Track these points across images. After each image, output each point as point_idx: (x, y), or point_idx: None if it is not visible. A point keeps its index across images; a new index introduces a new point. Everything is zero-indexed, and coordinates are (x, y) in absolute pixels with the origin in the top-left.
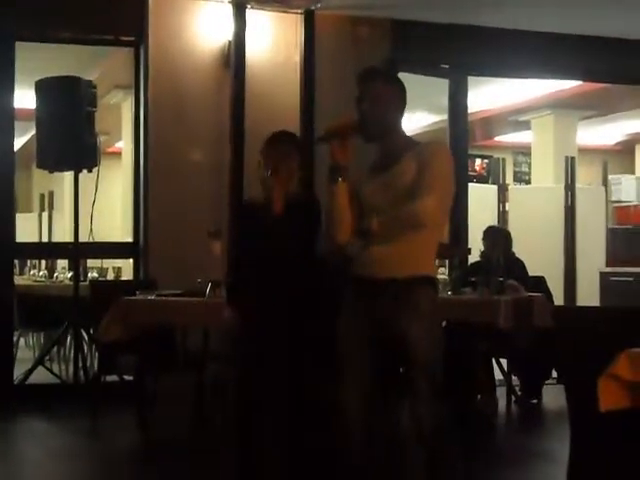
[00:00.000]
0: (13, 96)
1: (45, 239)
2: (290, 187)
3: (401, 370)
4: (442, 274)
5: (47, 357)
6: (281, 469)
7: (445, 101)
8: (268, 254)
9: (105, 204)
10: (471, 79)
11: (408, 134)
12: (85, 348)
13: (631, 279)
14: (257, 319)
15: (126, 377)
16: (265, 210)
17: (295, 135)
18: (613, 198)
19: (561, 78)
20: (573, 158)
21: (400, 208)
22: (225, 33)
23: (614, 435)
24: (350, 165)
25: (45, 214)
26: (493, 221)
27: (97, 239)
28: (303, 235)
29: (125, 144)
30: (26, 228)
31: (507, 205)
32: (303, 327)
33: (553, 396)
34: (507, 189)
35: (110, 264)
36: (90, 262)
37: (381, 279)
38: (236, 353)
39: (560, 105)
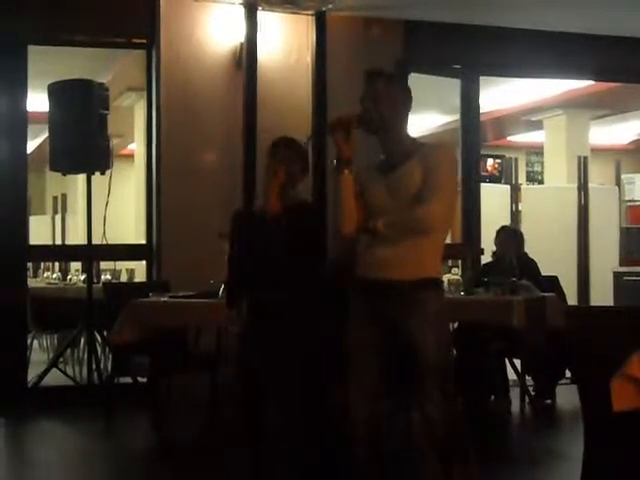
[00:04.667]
0: (26, 99)
1: (58, 241)
2: (290, 192)
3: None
4: (455, 274)
5: (61, 359)
6: (291, 468)
7: (457, 101)
8: (265, 257)
9: (118, 206)
10: (483, 79)
11: (420, 134)
12: (99, 350)
13: None
14: (254, 322)
15: (140, 379)
16: (262, 213)
17: (295, 141)
18: (626, 197)
19: (573, 78)
20: (586, 158)
21: (406, 212)
22: (237, 35)
23: (628, 435)
24: (355, 158)
25: (58, 217)
26: (506, 221)
27: (110, 241)
28: (300, 238)
29: (138, 146)
30: (39, 231)
31: (520, 205)
32: (299, 330)
33: (567, 396)
34: (520, 189)
35: (123, 266)
36: (103, 264)
37: (387, 281)
38: (239, 353)
39: (572, 105)
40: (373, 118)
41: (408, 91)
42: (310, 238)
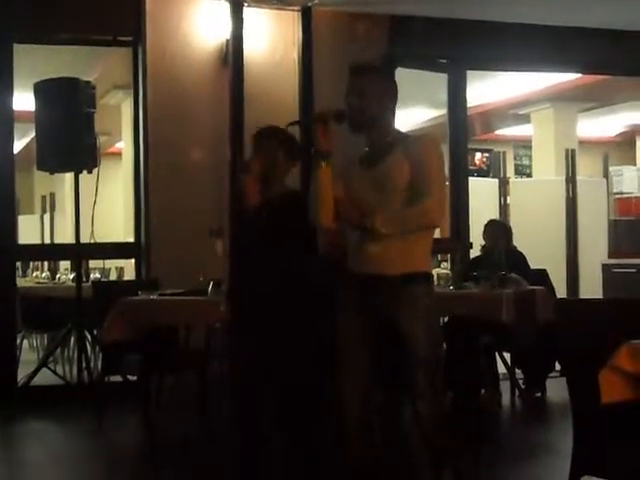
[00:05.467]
0: (12, 98)
1: (47, 241)
2: (274, 182)
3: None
4: (444, 269)
5: (51, 358)
6: (283, 466)
7: (444, 96)
8: (253, 250)
9: (106, 204)
10: (470, 73)
11: (407, 129)
12: (88, 349)
13: (633, 270)
14: (246, 315)
15: (130, 377)
16: (248, 208)
17: (277, 130)
18: (614, 190)
19: (560, 71)
20: (574, 150)
21: (404, 208)
22: (223, 31)
23: (616, 427)
24: (333, 151)
25: (47, 216)
26: (494, 215)
27: (99, 240)
28: (287, 230)
29: (125, 144)
30: (28, 230)
31: (508, 199)
32: (288, 323)
33: (557, 389)
34: (508, 182)
35: (112, 264)
36: (92, 263)
37: (378, 275)
38: (229, 347)
39: (560, 98)
40: (355, 117)
41: (394, 84)
42: (292, 228)
